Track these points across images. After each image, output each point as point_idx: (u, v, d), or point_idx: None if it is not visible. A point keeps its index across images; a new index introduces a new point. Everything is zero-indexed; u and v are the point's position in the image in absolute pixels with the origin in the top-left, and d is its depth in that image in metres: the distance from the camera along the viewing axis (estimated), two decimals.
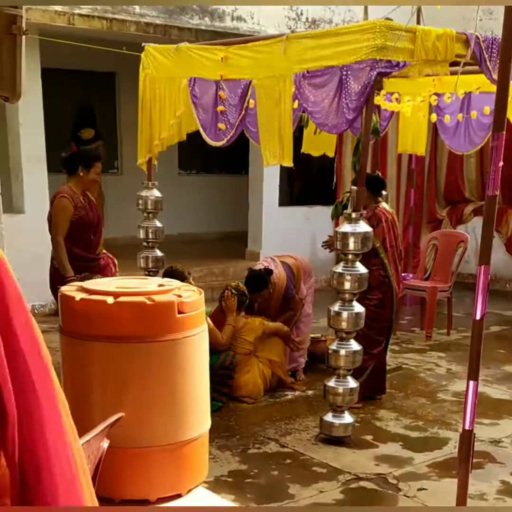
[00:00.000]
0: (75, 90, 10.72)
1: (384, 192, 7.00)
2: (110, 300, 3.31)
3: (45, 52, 7.79)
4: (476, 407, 5.60)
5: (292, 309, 6.20)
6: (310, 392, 5.96)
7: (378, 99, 6.25)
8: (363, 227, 4.73)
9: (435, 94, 6.43)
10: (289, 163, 5.19)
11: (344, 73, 4.64)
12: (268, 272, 5.98)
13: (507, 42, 3.04)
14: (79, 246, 5.41)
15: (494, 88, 5.51)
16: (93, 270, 5.48)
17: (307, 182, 11.60)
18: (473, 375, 3.24)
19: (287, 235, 9.60)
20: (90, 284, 3.63)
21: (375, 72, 4.50)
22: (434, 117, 6.44)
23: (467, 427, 3.26)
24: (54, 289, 5.44)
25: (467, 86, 6.27)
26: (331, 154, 7.33)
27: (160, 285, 3.58)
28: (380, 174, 6.19)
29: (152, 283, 3.65)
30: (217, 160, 11.97)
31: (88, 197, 5.54)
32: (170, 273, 5.59)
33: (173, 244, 11.28)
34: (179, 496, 3.53)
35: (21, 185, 7.89)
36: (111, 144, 10.89)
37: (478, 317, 3.18)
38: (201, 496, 3.60)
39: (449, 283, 7.72)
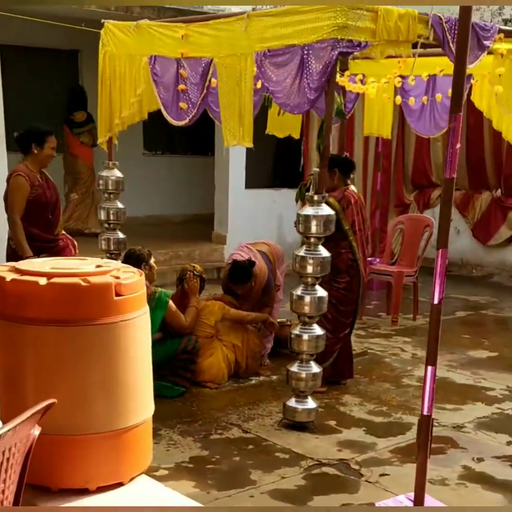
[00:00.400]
0: (37, 68, 10.48)
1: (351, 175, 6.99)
2: (42, 281, 3.14)
3: (3, 28, 7.58)
4: (440, 393, 5.67)
5: (269, 305, 6.11)
6: (274, 377, 5.89)
7: (343, 80, 6.18)
8: (326, 210, 4.65)
9: (400, 76, 6.34)
10: (249, 144, 5.09)
11: (306, 52, 4.55)
12: (251, 263, 5.87)
13: (464, 23, 2.98)
14: (37, 226, 5.25)
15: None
16: (52, 251, 5.32)
17: (275, 164, 11.50)
18: (431, 360, 3.18)
19: (253, 218, 9.52)
20: (23, 264, 3.46)
21: (336, 52, 4.42)
22: (398, 99, 6.36)
23: (425, 413, 3.21)
24: None
25: (431, 69, 6.21)
26: (296, 135, 7.24)
27: (98, 266, 3.40)
28: (348, 155, 6.08)
29: (90, 264, 3.46)
30: (184, 140, 11.77)
31: (45, 176, 5.38)
32: (129, 256, 5.49)
33: (139, 226, 11.13)
34: (120, 484, 3.38)
35: None
36: None
37: (436, 301, 3.11)
38: (144, 484, 3.47)
39: (415, 268, 7.67)
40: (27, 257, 5.10)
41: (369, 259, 8.71)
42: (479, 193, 10.36)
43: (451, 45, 4.93)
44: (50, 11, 7.47)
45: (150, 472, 4.13)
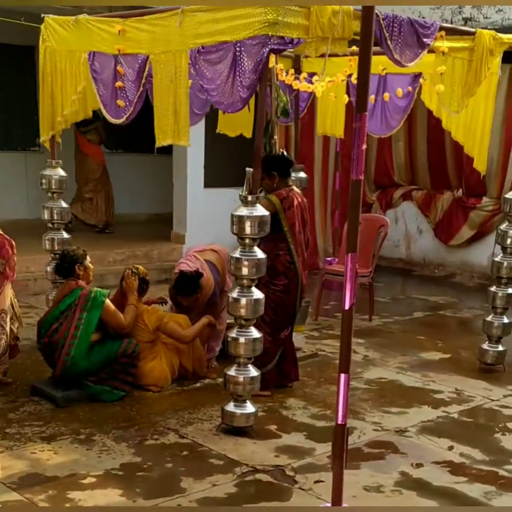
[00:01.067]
0: None
1: (303, 175, 6.86)
2: None
3: None
4: (387, 396, 5.58)
5: (214, 315, 5.92)
6: (220, 380, 5.68)
7: (288, 79, 6.07)
8: (260, 210, 4.53)
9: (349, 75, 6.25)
10: (185, 142, 4.96)
11: (238, 49, 4.43)
12: (198, 275, 5.72)
13: (367, 18, 2.92)
14: None
15: (402, 69, 5.42)
16: None
17: (234, 162, 11.33)
18: (343, 367, 3.08)
19: (213, 217, 9.35)
20: None
21: (267, 49, 4.31)
22: (346, 98, 6.26)
23: (339, 422, 3.10)
24: None
25: (373, 67, 6.07)
26: (248, 134, 7.08)
27: None
28: (285, 152, 5.81)
29: None
30: (145, 138, 11.53)
31: None
32: (64, 257, 5.36)
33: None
34: None
35: None
36: (32, 121, 10.50)
37: (347, 306, 3.01)
38: None
39: (370, 268, 7.57)
40: None
41: (328, 259, 8.67)
42: (441, 193, 10.29)
43: (389, 42, 4.83)
44: (6, 7, 7.29)
45: (79, 479, 4.05)
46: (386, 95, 6.32)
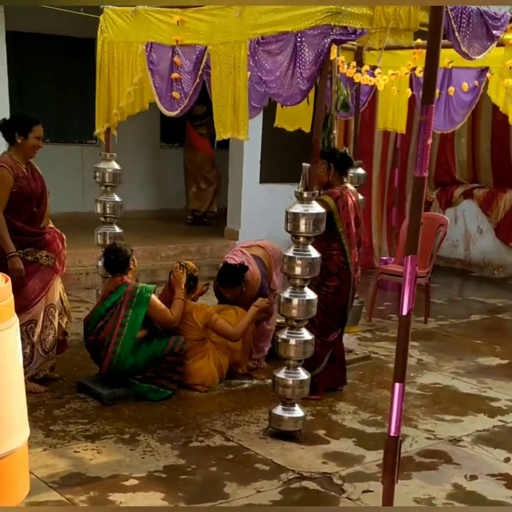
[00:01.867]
0: (49, 57, 10.32)
1: (362, 171, 6.68)
2: None
3: (12, 14, 7.42)
4: (441, 402, 5.37)
5: (267, 312, 5.79)
6: (269, 381, 5.59)
7: (349, 71, 5.92)
8: (316, 208, 4.38)
9: (413, 68, 6.05)
10: (244, 136, 4.84)
11: (299, 40, 4.30)
12: (244, 268, 5.60)
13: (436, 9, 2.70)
14: (21, 219, 5.03)
15: (469, 63, 5.20)
16: (38, 245, 5.12)
17: (291, 158, 11.19)
18: (398, 376, 2.91)
19: (267, 214, 9.23)
20: None
21: (329, 39, 4.17)
22: (408, 92, 6.05)
23: (392, 434, 2.94)
24: None
25: (439, 60, 5.87)
26: (306, 129, 6.95)
27: None
28: (348, 150, 5.75)
29: None
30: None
31: (32, 166, 5.16)
32: (112, 251, 5.27)
33: (153, 220, 11.02)
34: None
35: None
36: (89, 114, 10.54)
37: (404, 312, 2.84)
38: None
39: (427, 269, 7.34)
40: (9, 253, 4.93)
41: (384, 258, 8.45)
42: (503, 191, 9.97)
43: (457, 34, 4.62)
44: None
45: (121, 481, 3.98)
46: (451, 89, 6.13)
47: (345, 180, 5.32)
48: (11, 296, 2.92)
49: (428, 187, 10.49)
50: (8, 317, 2.90)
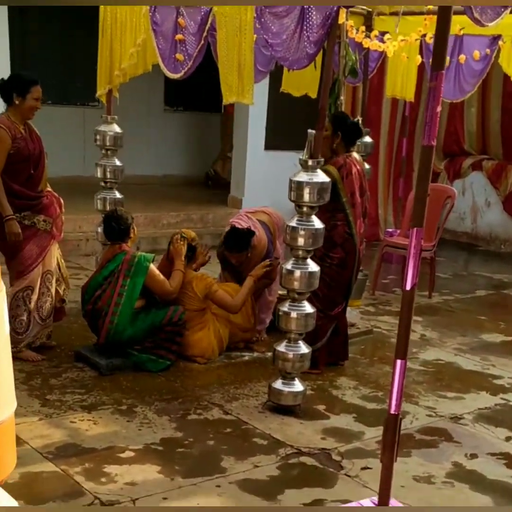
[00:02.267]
0: (53, 16, 10.11)
1: (369, 139, 6.53)
2: None
3: None
4: (443, 379, 5.30)
5: (269, 278, 5.68)
6: (269, 354, 5.50)
7: (358, 36, 5.74)
8: (321, 176, 4.26)
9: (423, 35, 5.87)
10: (249, 101, 4.72)
11: (306, 2, 4.15)
12: (251, 233, 5.48)
13: None
14: (19, 181, 4.91)
15: (481, 30, 5.03)
16: (35, 209, 5.01)
17: (298, 124, 11.02)
18: (400, 353, 2.81)
19: (272, 182, 9.09)
20: None
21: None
22: (418, 59, 5.89)
23: (392, 411, 2.85)
24: None
25: (450, 27, 5.70)
26: (313, 94, 6.80)
27: None
28: (361, 120, 5.55)
29: None
30: (208, 95, 11.34)
31: (30, 127, 5.02)
32: (113, 218, 5.14)
33: (156, 186, 10.88)
34: None
35: None
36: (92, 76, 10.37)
37: (408, 287, 2.72)
38: None
39: (433, 242, 7.21)
40: (6, 216, 4.83)
41: (389, 230, 8.34)
42: None
43: None
44: None
45: (117, 453, 3.91)
46: (462, 57, 5.97)
47: (351, 149, 5.18)
48: None
49: (436, 157, 10.36)
50: None
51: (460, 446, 4.29)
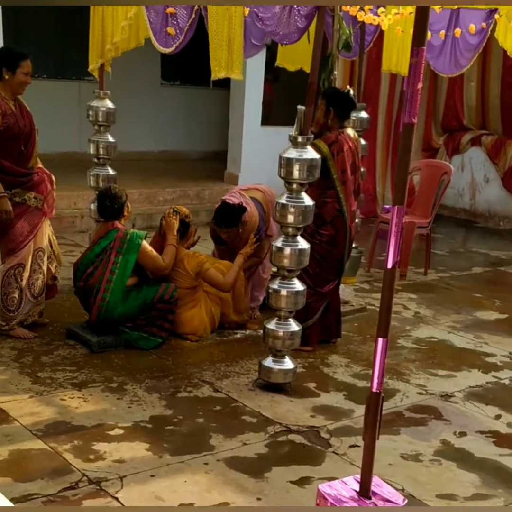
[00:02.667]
0: None
1: (365, 115, 6.47)
2: None
3: None
4: (436, 357, 5.29)
5: (257, 256, 5.66)
6: (262, 332, 5.53)
7: (352, 9, 5.65)
8: (310, 153, 4.23)
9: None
10: (238, 75, 4.70)
11: None
12: (242, 209, 5.44)
13: None
14: (9, 158, 4.85)
15: (476, 4, 4.96)
16: (26, 186, 4.97)
17: (294, 99, 10.95)
18: (382, 331, 2.78)
19: (269, 157, 8.93)
20: None
21: None
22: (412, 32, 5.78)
23: (374, 390, 2.83)
24: None
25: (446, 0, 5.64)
26: (308, 69, 6.63)
27: None
28: (352, 91, 5.37)
29: None
30: (205, 70, 11.24)
31: (20, 103, 4.96)
32: (107, 196, 5.11)
33: (151, 162, 10.82)
34: None
35: None
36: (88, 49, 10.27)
37: (390, 265, 2.69)
38: None
39: (429, 219, 7.18)
40: None
41: (386, 206, 8.28)
42: None
43: None
44: None
45: (106, 430, 3.92)
46: (458, 31, 5.92)
47: (345, 124, 5.12)
48: None
49: (435, 132, 10.33)
50: None
51: (450, 424, 4.29)
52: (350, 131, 5.18)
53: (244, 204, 5.48)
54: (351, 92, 5.26)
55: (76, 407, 4.17)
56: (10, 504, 2.12)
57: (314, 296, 4.94)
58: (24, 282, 5.00)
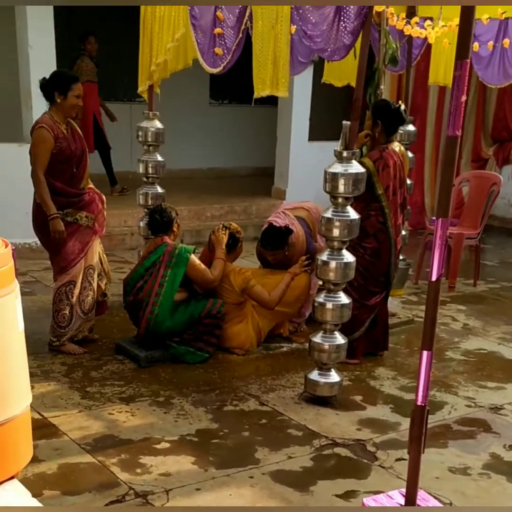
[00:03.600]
0: (99, 12, 10.20)
1: (412, 128, 6.45)
2: None
3: None
4: (485, 369, 5.22)
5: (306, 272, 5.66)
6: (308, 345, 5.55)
7: (399, 24, 5.68)
8: (356, 167, 4.26)
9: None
10: (283, 93, 4.71)
11: None
12: (288, 231, 5.47)
13: None
14: (61, 180, 5.00)
15: None
16: (77, 206, 5.10)
17: (341, 115, 10.97)
18: (427, 344, 2.78)
19: (316, 172, 8.97)
20: None
21: None
22: None
23: (419, 403, 2.82)
24: (36, 226, 5.14)
25: (492, 11, 5.61)
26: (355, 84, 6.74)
27: None
28: (403, 106, 5.31)
29: None
30: (252, 89, 11.35)
31: (72, 126, 5.11)
32: (156, 211, 5.23)
33: (200, 179, 10.96)
34: None
35: (31, 113, 7.35)
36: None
37: (434, 278, 2.69)
38: (8, 492, 2.74)
39: (478, 230, 7.10)
40: (50, 215, 4.92)
41: (434, 218, 8.21)
42: None
43: None
44: None
45: (153, 444, 3.98)
46: (506, 42, 5.87)
47: (392, 138, 5.12)
48: (11, 262, 2.85)
49: (485, 143, 10.21)
50: (8, 283, 2.80)
51: (499, 437, 4.24)
52: (396, 145, 5.19)
53: (289, 226, 5.51)
54: (402, 107, 5.24)
55: (123, 421, 4.24)
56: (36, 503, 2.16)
57: (360, 308, 4.94)
58: (74, 299, 5.11)
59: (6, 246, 2.80)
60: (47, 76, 5.07)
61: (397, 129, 5.24)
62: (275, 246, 5.48)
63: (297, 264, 5.38)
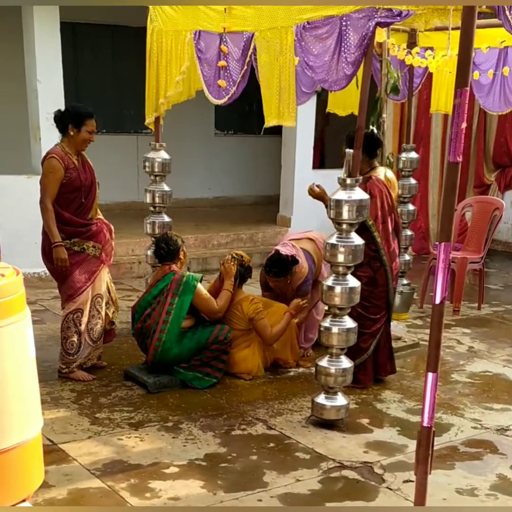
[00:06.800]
0: (104, 46, 10.43)
1: (414, 155, 6.53)
2: None
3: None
4: (491, 391, 5.25)
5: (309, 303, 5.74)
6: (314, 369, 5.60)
7: (400, 54, 5.81)
8: (359, 194, 4.34)
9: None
10: (291, 122, 4.82)
11: (344, 23, 4.28)
12: (294, 261, 5.56)
13: None
14: (69, 210, 5.09)
15: None
16: (84, 236, 5.18)
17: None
18: (432, 366, 2.85)
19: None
20: None
21: (373, 22, 4.14)
22: None
23: (425, 424, 2.88)
24: (44, 255, 5.22)
25: (491, 40, 5.72)
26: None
27: None
28: (375, 130, 5.36)
29: None
30: (257, 119, 11.51)
31: (83, 158, 5.21)
32: (163, 240, 5.32)
33: (206, 208, 11.08)
34: None
35: (40, 145, 7.53)
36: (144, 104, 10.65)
37: (438, 300, 2.76)
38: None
39: (482, 254, 7.17)
40: (55, 243, 5.01)
41: (437, 244, 8.28)
42: None
43: (507, 13, 4.46)
44: None
45: (162, 468, 4.02)
46: (506, 70, 5.98)
47: (375, 164, 5.20)
48: (23, 290, 2.92)
49: (486, 169, 10.30)
50: (19, 310, 2.87)
51: (505, 458, 4.27)
52: (380, 172, 5.24)
53: (296, 257, 5.59)
54: (374, 130, 5.31)
55: (132, 446, 4.28)
56: None
57: (361, 336, 4.97)
58: (83, 327, 5.18)
59: (18, 274, 2.89)
60: (62, 108, 5.21)
61: (376, 153, 5.28)
62: (279, 273, 5.57)
63: (294, 304, 5.48)
